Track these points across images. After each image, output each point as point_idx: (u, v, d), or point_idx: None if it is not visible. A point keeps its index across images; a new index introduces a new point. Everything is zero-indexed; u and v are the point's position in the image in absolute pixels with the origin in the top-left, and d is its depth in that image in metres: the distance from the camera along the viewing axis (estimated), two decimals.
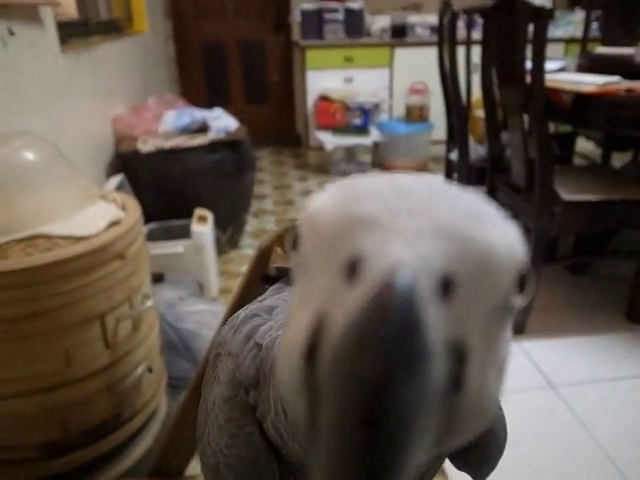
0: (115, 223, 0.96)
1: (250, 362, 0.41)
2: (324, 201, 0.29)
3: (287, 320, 0.31)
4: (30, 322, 0.86)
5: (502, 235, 0.28)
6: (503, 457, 0.52)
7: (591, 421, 1.49)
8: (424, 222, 0.26)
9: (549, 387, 1.63)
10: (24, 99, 1.56)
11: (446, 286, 0.25)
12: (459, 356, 0.26)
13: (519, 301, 0.29)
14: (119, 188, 2.08)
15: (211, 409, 0.44)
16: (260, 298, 0.57)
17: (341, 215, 0.27)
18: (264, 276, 0.62)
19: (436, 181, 0.30)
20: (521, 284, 0.28)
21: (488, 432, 0.45)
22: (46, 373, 0.91)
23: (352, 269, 0.26)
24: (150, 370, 1.07)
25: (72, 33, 2.13)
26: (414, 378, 0.22)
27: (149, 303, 0.99)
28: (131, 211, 1.02)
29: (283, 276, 0.60)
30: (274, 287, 0.59)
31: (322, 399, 0.24)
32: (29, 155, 0.96)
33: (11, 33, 1.49)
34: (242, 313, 0.51)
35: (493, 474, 0.53)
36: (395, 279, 0.23)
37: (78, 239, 0.91)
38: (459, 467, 0.48)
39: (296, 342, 0.28)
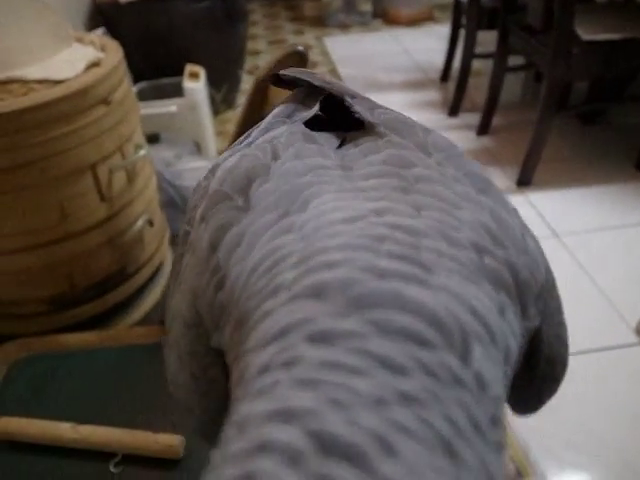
0: (95, 64, 0.87)
1: (211, 295, 0.30)
2: None
3: None
4: (17, 174, 0.81)
5: None
6: None
7: (593, 268, 1.50)
8: None
9: (553, 236, 1.63)
10: None
11: None
12: None
13: None
14: None
15: (171, 321, 0.34)
16: (243, 141, 0.42)
17: None
18: (274, 77, 0.49)
19: None
20: None
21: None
22: (43, 228, 0.88)
23: None
24: (151, 224, 1.05)
25: None
26: None
27: (142, 152, 0.94)
28: (112, 52, 0.93)
29: (298, 81, 0.47)
30: (263, 126, 0.44)
31: None
32: None
33: None
34: (216, 177, 0.38)
35: None
36: None
37: (55, 83, 0.83)
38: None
39: None
